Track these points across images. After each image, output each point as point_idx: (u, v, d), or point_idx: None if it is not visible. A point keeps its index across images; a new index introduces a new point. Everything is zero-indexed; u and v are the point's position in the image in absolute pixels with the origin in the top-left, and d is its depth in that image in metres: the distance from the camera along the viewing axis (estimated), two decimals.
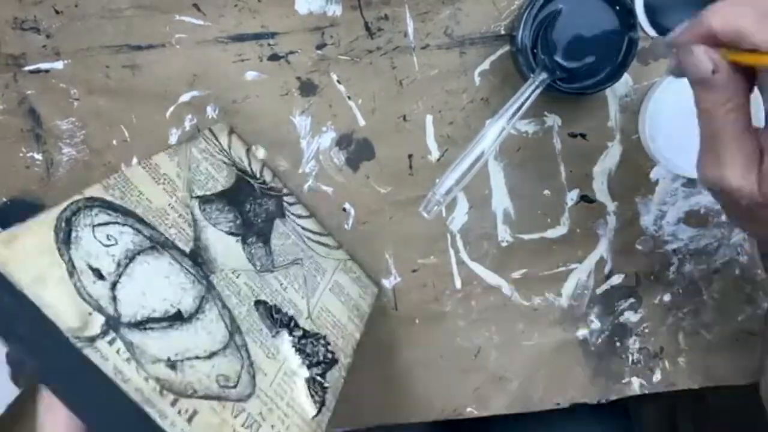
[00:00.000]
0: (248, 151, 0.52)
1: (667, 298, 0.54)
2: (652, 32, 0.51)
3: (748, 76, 0.32)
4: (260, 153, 0.51)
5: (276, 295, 0.44)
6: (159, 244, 0.38)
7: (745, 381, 0.55)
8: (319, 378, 0.43)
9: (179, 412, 0.31)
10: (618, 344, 0.55)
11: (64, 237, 0.33)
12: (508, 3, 0.51)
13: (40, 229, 0.32)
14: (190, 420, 0.32)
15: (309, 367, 0.43)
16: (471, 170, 0.44)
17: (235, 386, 0.37)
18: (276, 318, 0.43)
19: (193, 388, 0.34)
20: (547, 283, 0.54)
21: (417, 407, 0.56)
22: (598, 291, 0.54)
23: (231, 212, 0.46)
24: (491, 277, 0.54)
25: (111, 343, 0.31)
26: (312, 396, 0.42)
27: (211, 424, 0.34)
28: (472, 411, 0.56)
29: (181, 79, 0.52)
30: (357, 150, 0.53)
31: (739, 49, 0.31)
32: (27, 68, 0.51)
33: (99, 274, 0.33)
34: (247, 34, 0.51)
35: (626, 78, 0.52)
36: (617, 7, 0.48)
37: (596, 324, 0.55)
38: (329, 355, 0.45)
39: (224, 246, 0.43)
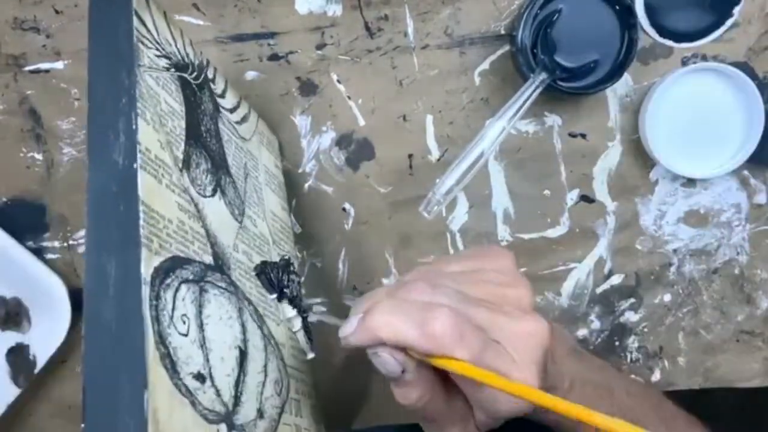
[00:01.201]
0: (166, 16, 0.37)
1: (667, 298, 0.55)
2: (652, 32, 0.51)
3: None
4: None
5: (256, 242, 0.39)
6: (201, 279, 0.30)
7: (744, 382, 0.55)
8: (304, 314, 0.41)
9: None
10: (617, 344, 0.55)
11: (170, 364, 0.25)
12: (508, 3, 0.51)
13: (157, 376, 0.24)
14: None
15: (299, 312, 0.40)
16: (471, 170, 0.45)
17: (282, 384, 0.34)
18: (272, 279, 0.39)
19: (273, 419, 0.31)
20: (546, 282, 0.54)
21: None
22: (598, 291, 0.54)
23: (202, 155, 0.35)
24: None
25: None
26: (309, 339, 0.40)
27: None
28: None
29: None
30: (357, 150, 0.53)
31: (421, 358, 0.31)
32: (27, 68, 0.51)
33: (201, 377, 0.27)
34: (247, 34, 0.51)
35: (626, 78, 0.52)
36: (617, 7, 0.48)
37: (596, 324, 0.55)
38: (299, 279, 0.42)
39: (218, 218, 0.35)
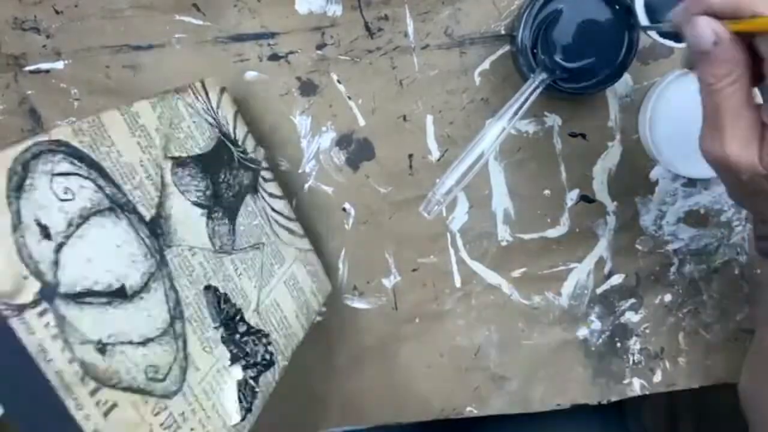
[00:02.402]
0: (236, 114, 0.48)
1: (667, 298, 0.54)
2: (652, 32, 0.51)
3: (749, 50, 0.32)
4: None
5: (228, 281, 0.41)
6: (119, 206, 0.34)
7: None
8: (251, 381, 0.41)
9: (97, 403, 0.29)
10: (619, 345, 0.55)
11: (17, 183, 0.29)
12: (508, 3, 0.51)
13: None
14: (106, 414, 0.29)
15: (245, 368, 0.40)
16: (471, 170, 0.44)
17: (163, 379, 0.34)
18: (223, 308, 0.40)
19: (119, 378, 0.31)
20: (546, 282, 0.54)
21: (417, 407, 0.56)
22: (598, 291, 0.54)
23: (203, 180, 0.42)
24: (491, 276, 0.54)
25: (41, 315, 0.28)
26: (240, 401, 0.39)
27: (129, 421, 0.31)
28: (471, 410, 0.56)
29: (181, 79, 0.51)
30: (357, 150, 0.53)
31: (739, 19, 0.31)
32: (27, 68, 0.51)
33: (46, 233, 0.29)
34: (247, 34, 0.51)
35: (626, 78, 0.52)
36: (617, 7, 0.48)
37: (597, 324, 0.55)
38: (267, 356, 0.43)
39: (187, 218, 0.40)
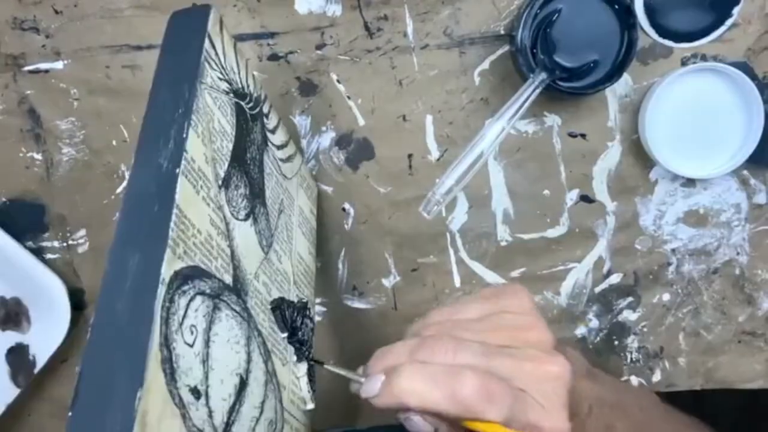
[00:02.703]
0: (235, 47, 0.38)
1: (666, 297, 0.54)
2: (652, 32, 0.51)
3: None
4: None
5: (277, 277, 0.38)
6: (217, 296, 0.30)
7: (746, 383, 0.55)
8: (312, 362, 0.40)
9: None
10: (617, 343, 0.55)
11: (170, 369, 0.24)
12: (507, 3, 0.51)
13: (155, 377, 0.23)
14: None
15: (307, 355, 0.39)
16: (471, 170, 0.44)
17: (275, 427, 0.33)
18: (287, 318, 0.37)
19: None
20: (545, 281, 0.54)
21: None
22: (597, 290, 0.54)
23: (242, 179, 0.36)
24: (490, 276, 0.54)
25: None
26: (311, 389, 0.39)
27: None
28: None
29: None
30: (357, 150, 0.53)
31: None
32: (27, 68, 0.51)
33: (197, 392, 0.26)
34: (246, 34, 0.51)
35: (626, 78, 0.52)
36: (617, 7, 0.48)
37: (595, 322, 0.55)
38: (312, 325, 0.41)
39: (245, 243, 0.34)
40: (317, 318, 0.54)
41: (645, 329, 0.55)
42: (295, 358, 0.39)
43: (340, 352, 0.56)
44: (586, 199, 0.54)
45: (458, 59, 0.52)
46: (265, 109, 0.42)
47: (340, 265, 0.54)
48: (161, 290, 0.25)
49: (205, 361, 0.27)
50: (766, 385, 0.55)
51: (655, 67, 0.52)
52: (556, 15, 0.48)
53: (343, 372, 0.36)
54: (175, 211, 0.27)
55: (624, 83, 0.52)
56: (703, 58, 0.52)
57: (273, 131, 0.43)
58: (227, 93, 0.35)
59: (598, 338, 0.55)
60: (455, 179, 0.44)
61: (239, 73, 0.38)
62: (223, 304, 0.30)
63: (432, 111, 0.52)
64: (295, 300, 0.40)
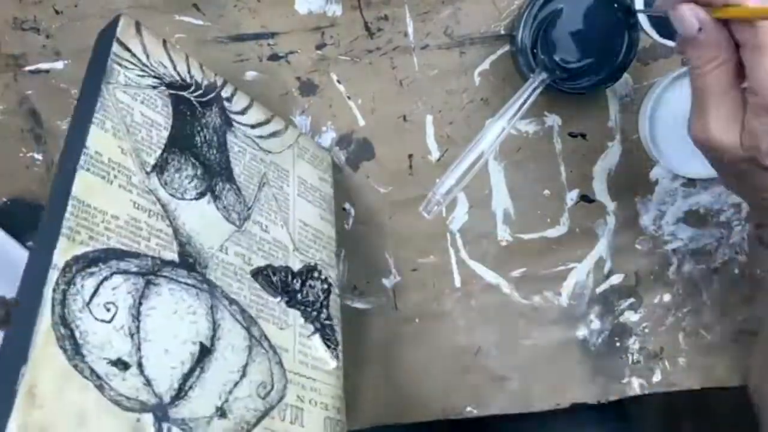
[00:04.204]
0: (165, 45, 0.40)
1: (666, 297, 0.54)
2: (652, 32, 0.51)
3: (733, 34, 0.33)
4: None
5: (263, 246, 0.39)
6: (150, 273, 0.31)
7: (745, 382, 0.55)
8: (327, 321, 0.40)
9: None
10: (618, 344, 0.55)
11: (72, 345, 0.26)
12: (508, 3, 0.51)
13: (45, 354, 0.25)
14: None
15: (317, 316, 0.39)
16: (471, 170, 0.44)
17: (272, 388, 0.34)
18: (275, 281, 0.38)
19: (246, 420, 0.31)
20: (546, 282, 0.54)
21: (417, 407, 0.56)
22: (598, 290, 0.54)
23: (188, 162, 0.37)
24: (491, 276, 0.54)
25: None
26: (328, 346, 0.39)
27: None
28: (471, 410, 0.56)
29: None
30: (357, 150, 0.53)
31: (721, 5, 0.32)
32: (27, 68, 0.51)
33: (123, 364, 0.28)
34: (246, 34, 0.51)
35: (626, 78, 0.52)
36: (617, 7, 0.48)
37: (596, 324, 0.55)
38: (325, 286, 0.42)
39: (201, 220, 0.36)
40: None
41: (646, 330, 0.55)
42: (302, 320, 0.39)
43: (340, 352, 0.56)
44: (586, 199, 0.54)
45: (458, 59, 0.52)
46: (226, 93, 0.44)
47: (340, 265, 0.54)
48: (52, 275, 0.27)
49: (133, 334, 0.29)
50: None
51: (655, 67, 0.52)
52: (557, 15, 0.48)
53: None
54: (72, 202, 0.29)
55: (624, 83, 0.52)
56: None
57: (243, 112, 0.44)
58: (155, 87, 0.38)
59: (600, 339, 0.55)
60: (455, 179, 0.44)
61: (175, 68, 0.40)
62: (162, 280, 0.31)
63: (432, 111, 0.52)
64: (299, 265, 0.40)
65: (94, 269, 0.29)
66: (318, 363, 0.38)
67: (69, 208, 0.29)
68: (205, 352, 0.31)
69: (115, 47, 0.37)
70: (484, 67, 0.52)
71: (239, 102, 0.45)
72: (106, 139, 0.33)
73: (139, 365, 0.28)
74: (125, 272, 0.30)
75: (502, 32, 0.51)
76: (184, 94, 0.40)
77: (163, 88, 0.39)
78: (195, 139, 0.39)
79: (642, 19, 0.50)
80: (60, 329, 0.26)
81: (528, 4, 0.47)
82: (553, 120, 0.53)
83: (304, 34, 0.51)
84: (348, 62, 0.52)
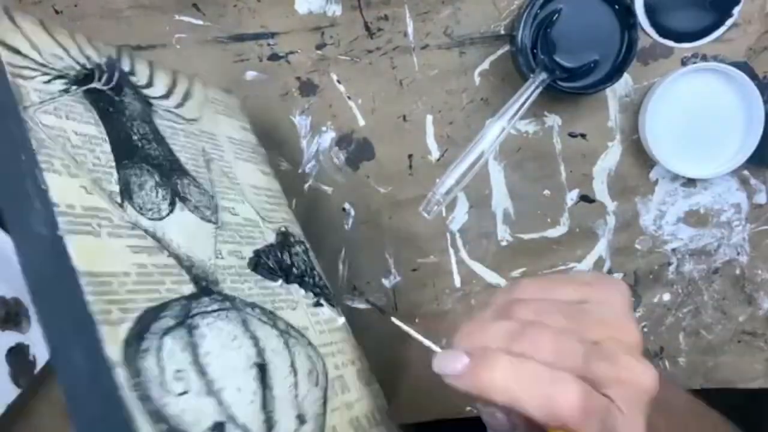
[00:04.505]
0: (44, 25, 0.32)
1: (666, 297, 0.54)
2: (652, 32, 0.51)
3: None
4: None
5: (241, 232, 0.35)
6: (186, 317, 0.28)
7: (746, 383, 0.55)
8: (320, 282, 0.39)
9: None
10: None
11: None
12: (508, 3, 0.51)
13: None
14: None
15: (313, 281, 0.38)
16: (471, 170, 0.44)
17: (317, 371, 0.32)
18: (272, 266, 0.36)
19: (318, 414, 0.30)
20: None
21: (417, 407, 0.56)
22: None
23: (143, 171, 0.32)
24: (491, 276, 0.54)
25: None
26: (332, 305, 0.37)
27: (344, 422, 0.30)
28: (471, 410, 0.56)
29: None
30: (357, 150, 0.53)
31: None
32: None
33: (219, 426, 0.25)
34: (247, 34, 0.51)
35: (626, 78, 0.52)
36: (617, 7, 0.48)
37: None
38: (303, 248, 0.39)
39: (186, 233, 0.31)
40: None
41: (645, 329, 0.55)
42: (303, 291, 0.37)
43: None
44: (586, 199, 0.54)
45: (458, 59, 0.52)
46: (126, 67, 0.36)
47: (340, 265, 0.54)
48: (119, 374, 0.22)
49: (210, 391, 0.25)
50: (766, 385, 0.55)
51: (655, 67, 0.52)
52: (557, 15, 0.48)
53: (412, 332, 0.33)
54: (84, 280, 0.23)
55: (624, 83, 0.52)
56: (704, 58, 0.52)
57: (149, 84, 0.37)
58: (66, 90, 0.30)
59: None
60: (455, 179, 0.44)
61: (68, 54, 0.32)
62: (197, 318, 0.27)
63: (432, 111, 0.52)
64: (273, 238, 0.37)
65: (145, 345, 0.24)
66: (330, 325, 0.37)
67: (85, 290, 0.23)
68: (263, 370, 0.29)
69: (6, 54, 0.28)
70: (484, 67, 0.52)
71: (142, 73, 0.38)
72: (64, 184, 0.26)
73: (232, 418, 0.25)
74: (168, 330, 0.26)
75: (502, 32, 0.51)
76: (95, 86, 0.33)
77: (74, 87, 0.31)
78: (133, 140, 0.33)
79: (642, 18, 0.50)
80: (160, 425, 0.22)
81: (528, 4, 0.47)
82: (553, 120, 0.53)
83: (304, 34, 0.51)
84: (348, 62, 0.52)
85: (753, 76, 0.51)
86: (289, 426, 0.28)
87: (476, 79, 0.52)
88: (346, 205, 0.54)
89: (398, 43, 0.52)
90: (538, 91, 0.46)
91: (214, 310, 0.29)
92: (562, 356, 0.28)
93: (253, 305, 0.32)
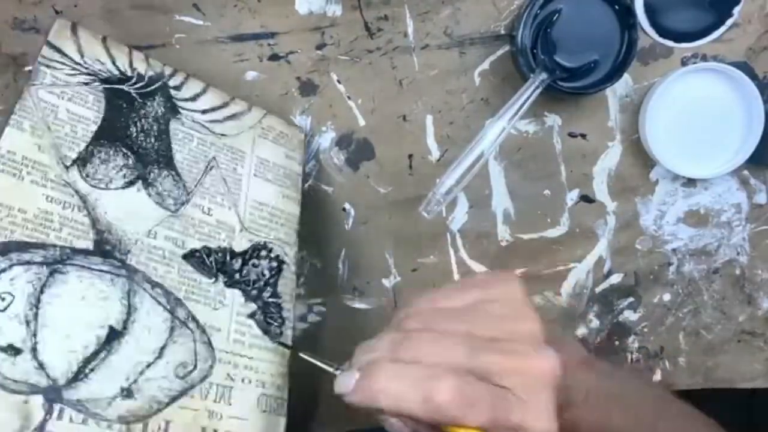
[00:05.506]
0: (105, 41, 0.43)
1: (666, 297, 0.54)
2: (652, 32, 0.51)
3: None
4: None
5: (202, 229, 0.40)
6: (57, 262, 0.33)
7: (746, 383, 0.55)
8: (272, 299, 0.41)
9: None
10: (617, 343, 0.55)
11: None
12: (508, 3, 0.51)
13: None
14: None
15: (259, 294, 0.40)
16: (471, 170, 0.45)
17: (194, 367, 0.35)
18: (209, 261, 0.40)
19: (157, 401, 0.32)
20: (546, 281, 0.54)
21: None
22: (597, 290, 0.54)
23: (118, 153, 0.39)
24: None
25: (60, 416, 0.29)
26: (269, 323, 0.40)
27: (186, 423, 0.32)
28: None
29: None
30: (357, 150, 0.53)
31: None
32: (27, 68, 0.51)
33: (13, 349, 0.30)
34: (247, 34, 0.51)
35: (626, 78, 0.52)
36: (617, 7, 0.48)
37: (595, 323, 0.55)
38: (274, 264, 0.42)
39: (128, 207, 0.38)
40: (316, 318, 0.54)
41: (645, 329, 0.55)
42: (242, 299, 0.40)
43: (340, 352, 0.56)
44: (586, 199, 0.54)
45: (458, 59, 0.52)
46: (175, 82, 0.45)
47: (340, 265, 0.54)
48: None
49: (30, 321, 0.30)
50: (766, 385, 0.55)
51: (655, 67, 0.52)
52: (557, 15, 0.48)
53: (317, 362, 0.35)
54: None
55: (624, 83, 0.52)
56: (703, 58, 0.52)
57: (193, 99, 0.46)
58: (87, 83, 0.40)
59: (599, 338, 0.55)
60: (455, 179, 0.44)
61: (114, 62, 0.42)
62: (70, 268, 0.33)
63: (432, 111, 0.52)
64: (244, 245, 0.41)
65: None
66: (257, 341, 0.39)
67: None
68: (114, 335, 0.33)
69: (46, 50, 0.39)
70: (484, 67, 0.52)
71: (190, 89, 0.46)
72: (22, 138, 0.35)
73: (33, 350, 0.30)
74: (27, 263, 0.32)
75: (502, 32, 0.51)
76: (123, 87, 0.42)
77: (97, 83, 0.41)
78: (129, 130, 0.40)
79: (642, 18, 0.50)
80: None
81: (528, 4, 0.47)
82: (553, 120, 0.53)
83: (304, 34, 0.51)
84: (348, 62, 0.52)
85: (753, 76, 0.51)
86: (104, 390, 0.31)
87: (476, 79, 0.52)
88: (346, 205, 0.54)
89: (398, 43, 0.52)
90: (538, 91, 0.46)
91: (99, 270, 0.34)
92: (444, 356, 0.30)
93: (157, 284, 0.36)
